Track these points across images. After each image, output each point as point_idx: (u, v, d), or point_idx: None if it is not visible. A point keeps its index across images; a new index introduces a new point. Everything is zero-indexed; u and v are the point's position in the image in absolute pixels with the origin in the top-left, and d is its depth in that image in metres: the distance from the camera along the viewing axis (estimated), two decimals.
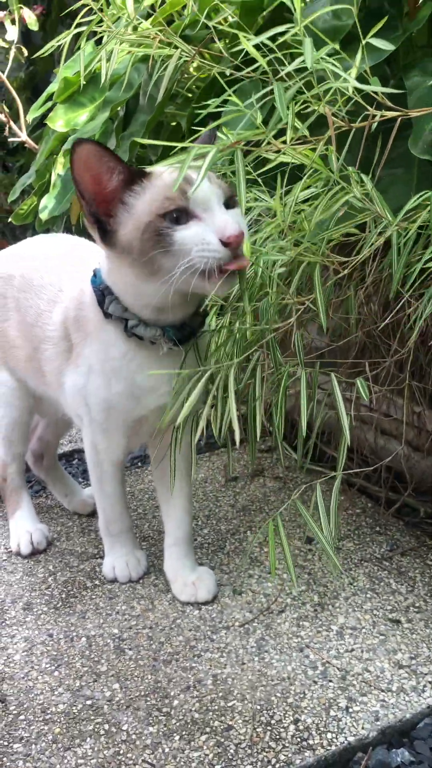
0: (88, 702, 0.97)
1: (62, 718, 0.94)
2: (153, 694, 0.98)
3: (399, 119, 1.10)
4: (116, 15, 1.62)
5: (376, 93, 1.05)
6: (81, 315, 1.08)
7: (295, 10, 1.05)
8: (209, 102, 1.17)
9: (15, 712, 0.96)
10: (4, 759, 0.89)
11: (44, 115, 2.04)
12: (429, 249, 0.97)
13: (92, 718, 0.94)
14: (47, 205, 2.12)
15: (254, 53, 1.03)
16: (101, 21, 1.63)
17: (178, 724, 0.92)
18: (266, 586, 1.20)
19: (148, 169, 0.99)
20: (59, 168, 1.98)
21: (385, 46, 1.02)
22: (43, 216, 2.13)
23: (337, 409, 1.03)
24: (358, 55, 1.04)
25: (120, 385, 1.05)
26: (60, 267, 1.21)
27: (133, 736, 0.91)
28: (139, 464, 1.68)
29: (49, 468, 1.51)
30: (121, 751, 0.89)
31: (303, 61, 1.01)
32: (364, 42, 1.04)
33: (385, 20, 1.15)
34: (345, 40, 1.28)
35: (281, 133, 1.06)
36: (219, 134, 1.10)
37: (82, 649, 1.08)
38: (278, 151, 1.07)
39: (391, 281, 1.14)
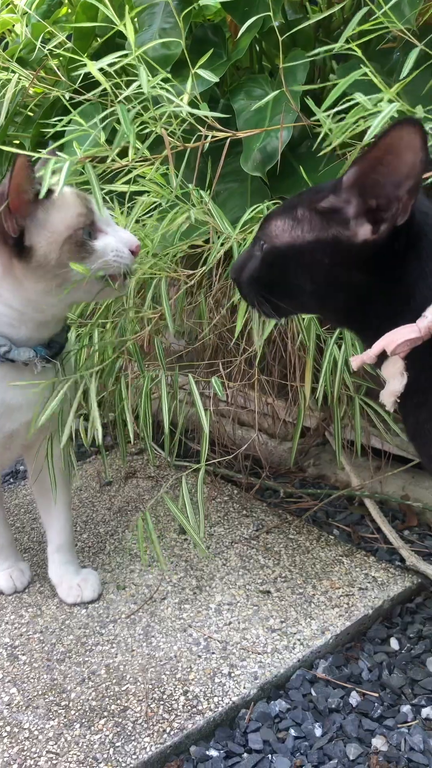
0: None
1: None
2: (50, 692, 1.03)
3: (228, 139, 1.22)
4: None
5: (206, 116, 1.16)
6: None
7: (128, 39, 1.14)
8: (52, 121, 1.24)
9: None
10: None
11: None
12: None
13: None
14: None
15: (100, 78, 1.11)
16: None
17: (76, 714, 0.99)
18: (148, 578, 1.28)
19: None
20: None
21: (210, 77, 1.13)
22: None
23: (196, 406, 1.14)
24: (189, 82, 1.15)
25: None
26: None
27: (35, 732, 0.96)
28: (11, 480, 1.71)
29: None
30: (25, 748, 0.94)
31: (140, 85, 1.10)
32: (193, 71, 1.15)
33: (212, 50, 1.28)
34: (176, 66, 1.39)
35: (124, 153, 1.16)
36: (60, 154, 1.17)
37: None
38: (123, 168, 1.16)
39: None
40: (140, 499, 1.58)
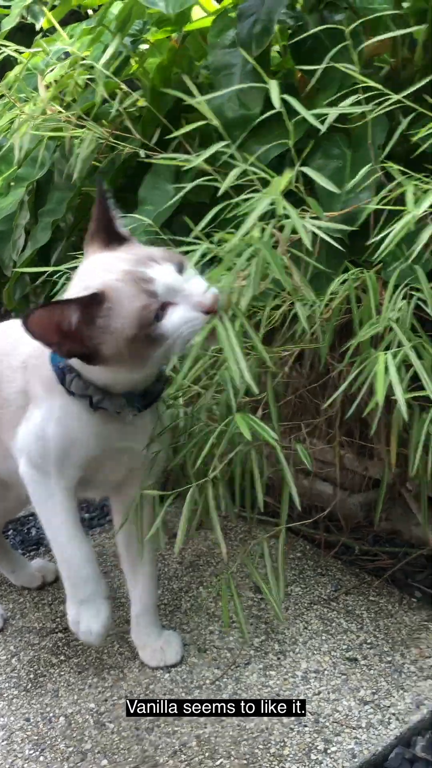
0: None
1: None
2: (143, 765, 1.02)
3: None
4: (25, 98, 1.69)
5: None
6: (43, 374, 1.09)
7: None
8: None
9: None
10: None
11: None
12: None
13: None
14: None
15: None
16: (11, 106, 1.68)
17: None
18: (228, 640, 1.27)
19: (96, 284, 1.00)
20: None
21: None
22: None
23: (281, 468, 1.12)
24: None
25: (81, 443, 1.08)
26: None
27: None
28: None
29: None
30: None
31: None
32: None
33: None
34: (255, 127, 1.40)
35: None
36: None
37: (62, 729, 1.10)
38: None
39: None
40: (211, 553, 1.56)
